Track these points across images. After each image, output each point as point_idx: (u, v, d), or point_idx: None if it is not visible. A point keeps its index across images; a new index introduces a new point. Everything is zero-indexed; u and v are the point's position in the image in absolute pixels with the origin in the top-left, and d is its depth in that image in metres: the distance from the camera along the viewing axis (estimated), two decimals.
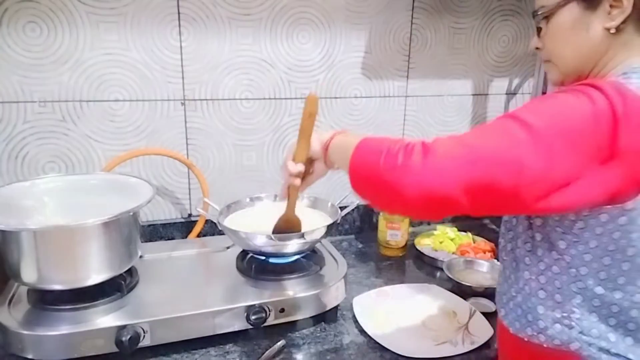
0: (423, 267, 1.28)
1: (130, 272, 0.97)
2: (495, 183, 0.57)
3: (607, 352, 0.66)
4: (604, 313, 0.66)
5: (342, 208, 1.11)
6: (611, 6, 0.65)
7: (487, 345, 0.93)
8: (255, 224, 1.07)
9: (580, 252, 0.65)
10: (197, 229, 1.26)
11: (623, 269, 0.64)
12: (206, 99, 1.24)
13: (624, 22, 0.65)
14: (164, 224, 1.27)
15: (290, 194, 0.90)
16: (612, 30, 0.66)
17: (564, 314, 0.68)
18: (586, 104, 0.58)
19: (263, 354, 0.88)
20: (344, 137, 0.77)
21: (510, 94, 1.54)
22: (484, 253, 1.31)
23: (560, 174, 0.57)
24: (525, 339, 0.72)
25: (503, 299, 0.77)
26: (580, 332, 0.67)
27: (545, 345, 0.70)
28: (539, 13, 0.72)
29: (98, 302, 0.88)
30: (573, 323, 0.67)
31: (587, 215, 0.63)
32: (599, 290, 0.65)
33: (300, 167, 0.83)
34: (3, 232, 0.82)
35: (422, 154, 0.58)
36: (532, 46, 0.77)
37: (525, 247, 0.72)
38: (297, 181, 0.85)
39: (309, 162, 0.85)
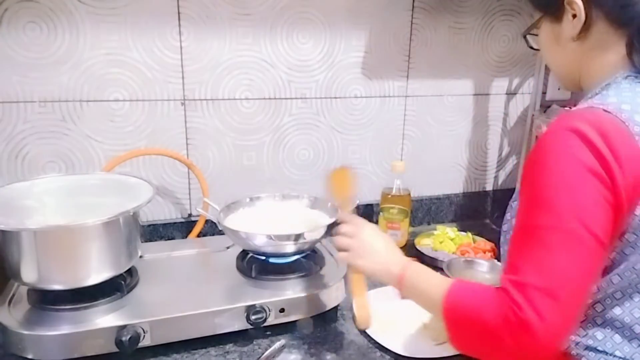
0: None
1: (130, 272, 0.97)
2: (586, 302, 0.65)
3: (595, 349, 0.67)
4: (590, 313, 0.68)
5: None
6: (573, 15, 0.70)
7: None
8: (255, 224, 1.07)
9: None
10: (197, 229, 1.26)
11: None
12: (206, 99, 1.24)
13: (586, 27, 0.69)
14: (164, 224, 1.27)
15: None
16: (574, 38, 0.71)
17: None
18: (577, 167, 0.60)
19: (263, 354, 0.88)
20: (416, 280, 0.78)
21: (511, 93, 1.54)
22: (484, 253, 1.30)
23: (605, 242, 0.61)
24: None
25: None
26: None
27: None
28: (526, 36, 0.82)
29: (98, 302, 0.88)
30: None
31: None
32: None
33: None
34: (3, 232, 0.82)
35: (528, 332, 0.58)
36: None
37: None
38: None
39: None
